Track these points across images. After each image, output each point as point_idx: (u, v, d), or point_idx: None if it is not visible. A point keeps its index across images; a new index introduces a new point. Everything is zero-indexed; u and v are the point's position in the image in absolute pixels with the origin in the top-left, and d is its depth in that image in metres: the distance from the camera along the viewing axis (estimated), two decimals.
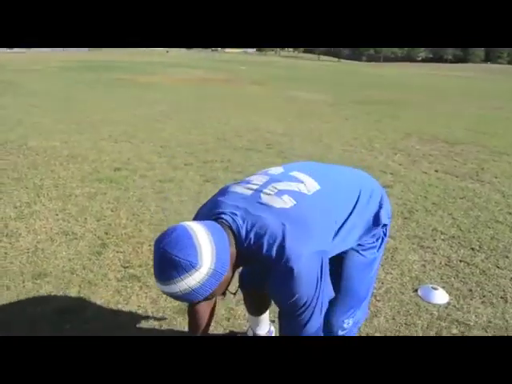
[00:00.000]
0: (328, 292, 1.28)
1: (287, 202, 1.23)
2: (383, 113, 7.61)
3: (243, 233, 1.17)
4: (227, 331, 2.15)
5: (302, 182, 1.31)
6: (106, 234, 3.08)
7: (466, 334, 2.16)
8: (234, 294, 1.37)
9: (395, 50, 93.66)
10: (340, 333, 1.51)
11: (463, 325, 2.25)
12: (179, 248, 1.06)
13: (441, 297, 2.46)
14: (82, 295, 2.41)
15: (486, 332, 2.18)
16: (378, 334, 2.16)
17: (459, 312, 2.35)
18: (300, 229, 1.19)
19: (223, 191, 1.33)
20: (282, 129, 6.29)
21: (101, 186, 3.92)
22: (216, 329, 2.18)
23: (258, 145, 5.43)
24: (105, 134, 5.64)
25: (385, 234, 1.50)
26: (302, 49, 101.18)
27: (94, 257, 2.78)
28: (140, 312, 2.28)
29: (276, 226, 1.17)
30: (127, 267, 2.68)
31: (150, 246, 2.89)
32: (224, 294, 1.25)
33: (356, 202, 1.38)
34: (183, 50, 62.42)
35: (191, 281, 1.07)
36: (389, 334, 2.16)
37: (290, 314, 1.23)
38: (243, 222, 1.18)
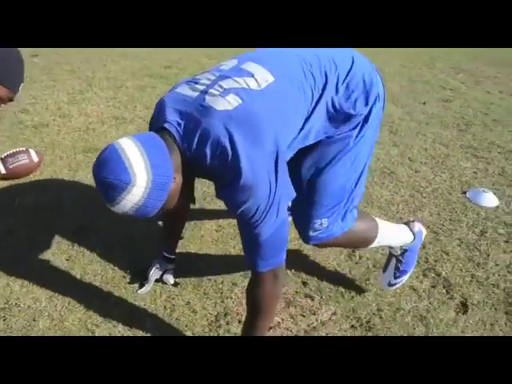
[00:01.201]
0: (287, 193, 1.17)
1: (232, 103, 1.10)
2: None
3: (185, 142, 1.10)
4: None
5: (253, 76, 1.16)
6: None
7: None
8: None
9: None
10: (311, 234, 1.39)
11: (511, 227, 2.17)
12: (109, 169, 1.03)
13: (490, 200, 2.37)
14: None
15: None
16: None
17: (508, 216, 2.26)
18: (245, 130, 1.08)
19: (171, 92, 1.22)
20: None
21: (151, 80, 3.93)
22: None
23: None
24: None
25: (365, 121, 1.28)
26: None
27: None
28: None
29: (218, 131, 1.07)
30: None
31: None
32: (192, 200, 1.21)
33: (322, 91, 1.20)
34: None
35: (133, 197, 1.03)
36: (431, 227, 2.12)
37: (245, 222, 1.14)
38: (184, 129, 1.11)
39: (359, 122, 1.28)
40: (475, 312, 1.66)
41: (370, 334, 1.55)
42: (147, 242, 1.90)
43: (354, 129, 1.28)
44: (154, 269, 1.65)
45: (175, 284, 1.68)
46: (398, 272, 1.64)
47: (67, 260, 1.80)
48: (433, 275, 1.82)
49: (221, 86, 1.14)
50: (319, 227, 1.38)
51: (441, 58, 5.64)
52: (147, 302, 1.62)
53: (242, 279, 1.72)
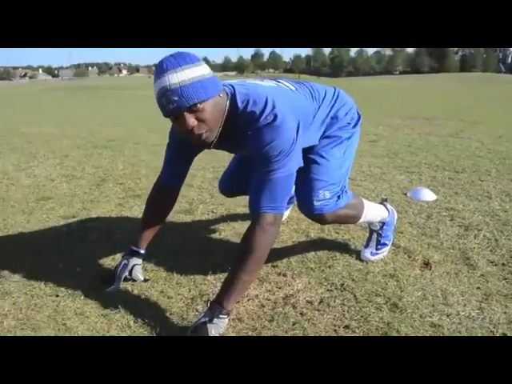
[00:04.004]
0: (300, 158, 1.41)
1: (270, 83, 1.51)
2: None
3: (233, 99, 1.34)
4: None
5: (280, 82, 1.56)
6: (105, 174, 3.17)
7: (455, 216, 2.28)
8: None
9: (373, 64, 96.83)
10: (316, 203, 1.60)
11: (452, 210, 2.37)
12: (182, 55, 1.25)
13: (429, 195, 2.59)
14: (85, 208, 2.47)
15: (474, 214, 2.31)
16: None
17: (448, 204, 2.48)
18: (282, 97, 1.39)
19: None
20: None
21: (96, 149, 4.03)
22: None
23: None
24: (98, 122, 5.76)
25: (354, 126, 1.65)
26: (282, 69, 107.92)
27: (95, 187, 2.86)
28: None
29: (261, 91, 1.37)
30: (128, 191, 2.76)
31: (148, 179, 2.98)
32: (210, 144, 1.35)
33: (321, 101, 1.58)
34: None
35: (199, 70, 1.24)
36: None
37: (266, 161, 1.32)
38: (234, 91, 1.36)
39: (347, 125, 1.64)
40: (438, 267, 1.76)
41: (345, 293, 1.58)
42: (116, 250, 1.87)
43: (342, 129, 1.63)
44: (121, 266, 1.61)
45: (145, 280, 1.64)
46: (379, 244, 1.85)
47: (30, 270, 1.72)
48: (393, 248, 1.91)
49: (260, 79, 1.57)
50: (323, 197, 1.60)
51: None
52: (118, 298, 1.56)
53: (212, 269, 1.72)
